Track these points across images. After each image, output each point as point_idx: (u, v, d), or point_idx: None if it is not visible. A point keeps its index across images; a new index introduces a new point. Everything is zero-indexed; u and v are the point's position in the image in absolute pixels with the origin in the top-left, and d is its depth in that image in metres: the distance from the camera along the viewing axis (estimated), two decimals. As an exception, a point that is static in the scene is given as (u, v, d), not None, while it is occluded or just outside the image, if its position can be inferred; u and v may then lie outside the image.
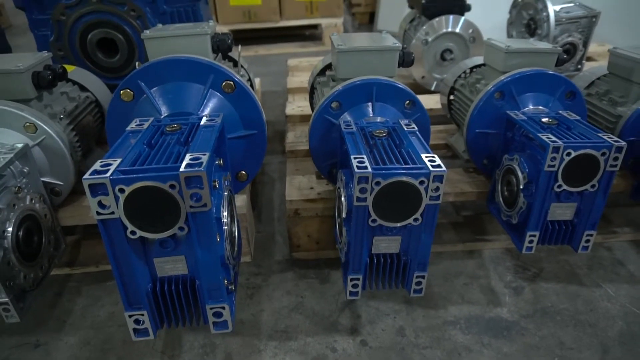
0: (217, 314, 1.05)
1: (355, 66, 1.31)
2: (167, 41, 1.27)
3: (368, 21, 4.36)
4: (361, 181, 0.98)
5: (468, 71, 1.72)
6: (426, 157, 1.04)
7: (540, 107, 1.36)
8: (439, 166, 1.00)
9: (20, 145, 1.23)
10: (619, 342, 1.23)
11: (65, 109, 1.44)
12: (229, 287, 1.14)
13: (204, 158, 0.93)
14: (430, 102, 2.04)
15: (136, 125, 1.15)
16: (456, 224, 1.67)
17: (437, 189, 1.01)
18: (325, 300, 1.38)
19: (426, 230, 1.08)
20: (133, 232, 0.93)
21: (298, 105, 2.10)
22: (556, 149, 1.09)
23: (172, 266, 1.02)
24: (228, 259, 1.09)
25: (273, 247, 1.63)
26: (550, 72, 1.33)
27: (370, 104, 1.29)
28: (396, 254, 1.14)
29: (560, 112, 1.29)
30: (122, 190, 0.89)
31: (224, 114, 1.26)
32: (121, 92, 1.23)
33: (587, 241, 1.22)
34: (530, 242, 1.22)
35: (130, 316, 1.03)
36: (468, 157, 1.49)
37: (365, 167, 0.99)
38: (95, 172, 0.90)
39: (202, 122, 1.15)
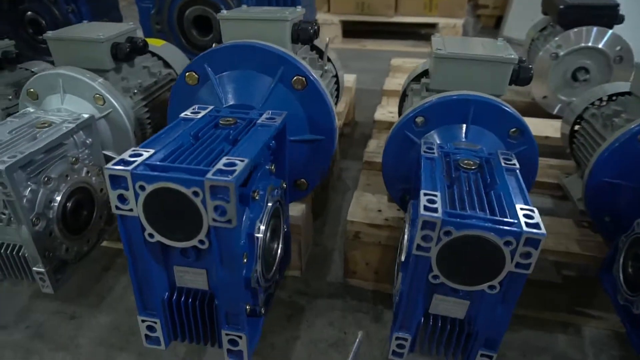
0: (233, 342, 0.91)
1: (454, 76, 1.07)
2: (242, 24, 1.14)
3: (494, 25, 3.92)
4: (426, 226, 0.76)
5: (605, 98, 1.36)
6: (522, 209, 0.78)
7: None
8: (536, 226, 0.74)
9: (85, 116, 1.20)
10: None
11: (141, 83, 1.41)
12: (259, 310, 1.00)
13: (239, 166, 0.78)
14: (548, 128, 1.70)
15: (192, 112, 1.05)
16: (552, 284, 1.34)
17: (528, 255, 0.75)
18: (371, 344, 1.18)
19: (505, 303, 0.83)
20: (151, 235, 0.83)
21: (389, 111, 1.89)
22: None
23: (192, 278, 0.90)
24: (258, 281, 0.94)
25: (328, 265, 1.46)
26: None
27: (464, 125, 1.05)
28: (459, 320, 0.90)
29: None
30: (142, 188, 0.78)
31: (290, 113, 1.10)
32: (186, 74, 1.14)
33: None
34: (656, 345, 0.89)
35: (143, 321, 0.94)
36: (584, 207, 1.16)
37: (435, 210, 0.76)
38: (122, 162, 0.80)
39: (259, 120, 1.02)
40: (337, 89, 1.54)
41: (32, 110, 1.25)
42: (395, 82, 2.20)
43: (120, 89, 1.34)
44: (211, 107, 1.08)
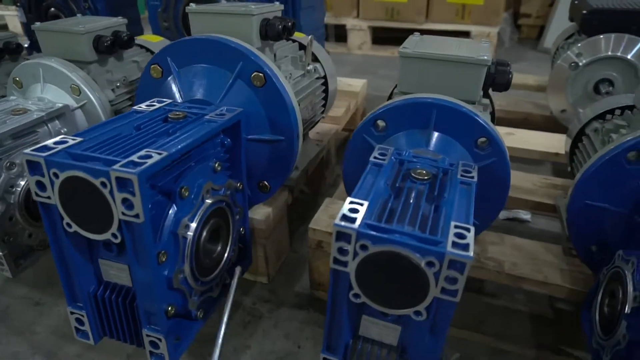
0: (154, 344, 0.87)
1: (421, 78, 0.98)
2: (209, 18, 1.11)
3: (536, 36, 3.69)
4: (340, 238, 0.69)
5: (619, 112, 1.20)
6: (457, 227, 0.68)
7: None
8: (464, 247, 0.64)
9: (59, 105, 1.22)
10: None
11: (126, 77, 1.41)
12: (194, 313, 0.96)
13: (153, 159, 0.75)
14: (560, 144, 1.54)
15: (147, 105, 1.04)
16: (540, 317, 1.20)
17: (453, 280, 0.65)
18: (323, 362, 1.10)
19: (434, 333, 0.73)
20: (69, 225, 0.80)
21: (390, 117, 1.79)
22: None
23: (116, 273, 0.88)
24: (186, 283, 0.90)
25: (300, 273, 1.39)
26: None
27: (427, 132, 0.95)
28: (392, 346, 0.81)
29: None
30: (56, 175, 0.76)
31: (249, 110, 1.06)
32: (151, 67, 1.12)
33: None
34: (621, 401, 0.75)
35: (71, 313, 0.93)
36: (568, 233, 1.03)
37: (352, 220, 0.69)
38: (44, 148, 0.79)
39: (208, 115, 0.98)
40: (325, 91, 1.47)
41: (14, 97, 1.28)
42: (407, 89, 2.10)
43: (104, 82, 1.36)
44: (169, 101, 1.06)
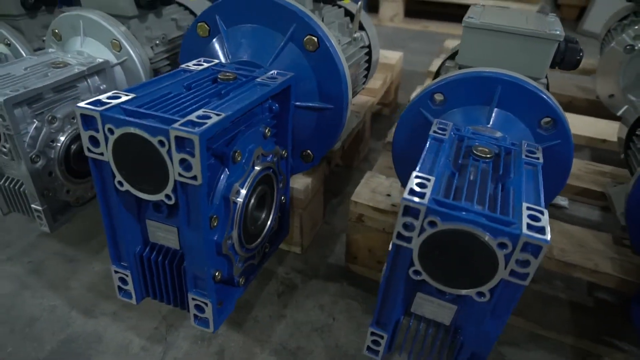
0: (199, 308, 0.87)
1: (485, 51, 0.93)
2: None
3: (576, 17, 3.54)
4: (408, 213, 0.66)
5: (680, 100, 1.15)
6: (529, 208, 0.65)
7: None
8: (540, 230, 0.61)
9: (100, 60, 1.19)
10: None
11: (166, 35, 1.37)
12: (237, 280, 0.95)
13: (212, 120, 0.72)
14: (608, 131, 1.48)
15: (194, 64, 1.00)
16: (579, 306, 1.18)
17: (525, 263, 0.63)
18: (358, 335, 1.10)
19: (495, 317, 0.71)
20: (120, 183, 0.78)
21: (429, 93, 1.73)
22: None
23: (164, 235, 0.86)
24: (233, 249, 0.88)
25: (333, 246, 1.38)
26: None
27: (488, 108, 0.91)
28: (445, 326, 0.79)
29: None
30: (111, 131, 0.74)
31: (299, 75, 1.03)
32: (198, 24, 1.08)
33: None
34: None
35: (115, 272, 0.92)
36: (625, 223, 0.99)
37: (422, 196, 0.66)
38: (98, 102, 0.76)
39: (259, 78, 0.94)
40: (369, 62, 1.42)
41: (53, 50, 1.25)
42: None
43: (144, 39, 1.32)
44: (216, 62, 1.02)
